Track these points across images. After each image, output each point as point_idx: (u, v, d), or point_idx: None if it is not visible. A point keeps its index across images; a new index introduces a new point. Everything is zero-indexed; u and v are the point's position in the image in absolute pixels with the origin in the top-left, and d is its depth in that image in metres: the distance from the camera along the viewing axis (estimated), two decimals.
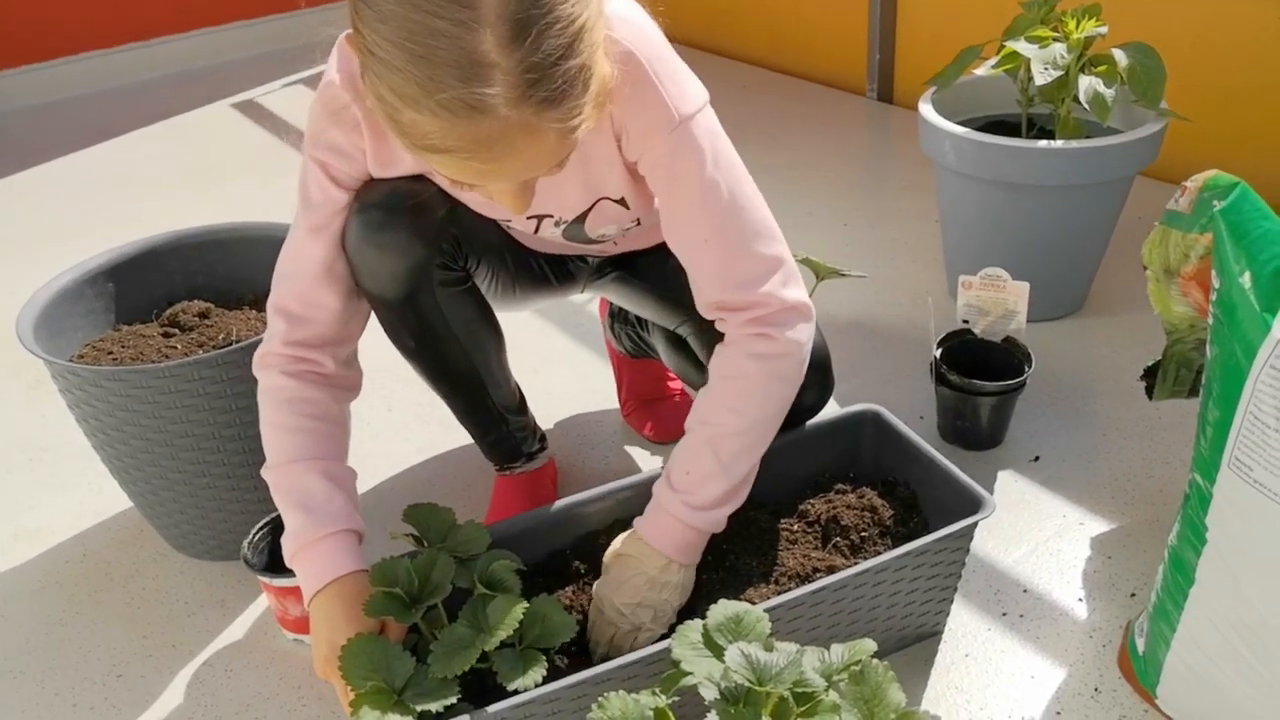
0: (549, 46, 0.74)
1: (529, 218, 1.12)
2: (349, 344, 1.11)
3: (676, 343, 1.28)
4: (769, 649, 0.87)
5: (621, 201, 1.07)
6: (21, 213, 2.51)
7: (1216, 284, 0.90)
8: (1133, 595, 1.20)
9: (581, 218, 1.10)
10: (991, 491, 1.38)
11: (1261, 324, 0.84)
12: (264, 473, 1.06)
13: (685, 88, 0.97)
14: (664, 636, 1.04)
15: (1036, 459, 1.43)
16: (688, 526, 1.04)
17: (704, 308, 1.06)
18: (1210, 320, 0.91)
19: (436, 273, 1.12)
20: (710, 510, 1.04)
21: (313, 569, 1.01)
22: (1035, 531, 1.31)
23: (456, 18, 0.71)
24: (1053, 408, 1.53)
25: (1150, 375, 1.26)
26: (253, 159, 2.73)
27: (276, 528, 1.26)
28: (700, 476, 1.04)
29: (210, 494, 1.30)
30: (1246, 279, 0.86)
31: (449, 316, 1.16)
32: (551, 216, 1.11)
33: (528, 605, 0.97)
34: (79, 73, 3.30)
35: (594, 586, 1.09)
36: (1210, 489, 0.91)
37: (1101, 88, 1.53)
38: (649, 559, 1.05)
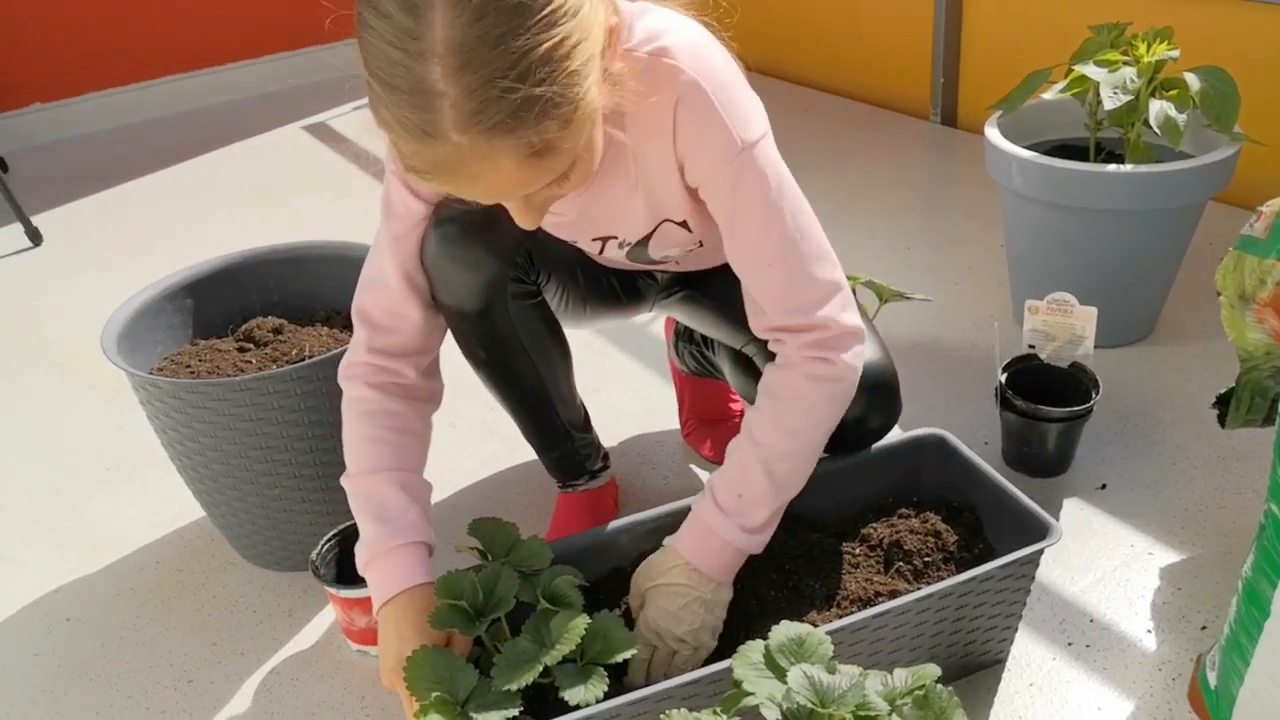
0: (496, 77, 0.75)
1: (594, 239, 1.14)
2: (430, 354, 1.14)
3: (742, 362, 1.28)
4: (832, 671, 0.87)
5: (684, 224, 1.09)
6: (101, 232, 2.60)
7: None
8: (1203, 628, 1.18)
9: (645, 240, 1.12)
10: (1057, 519, 1.36)
11: None
12: (344, 481, 1.09)
13: (749, 116, 0.98)
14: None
15: (1104, 486, 1.41)
16: (737, 549, 1.05)
17: (761, 330, 1.07)
18: (1266, 338, 0.90)
19: (510, 286, 1.14)
20: (759, 533, 1.05)
21: (383, 579, 1.03)
22: (1102, 560, 1.29)
23: (409, 49, 0.76)
24: (1120, 435, 1.51)
25: (1223, 403, 1.24)
26: (322, 180, 2.80)
27: (344, 540, 1.29)
28: (754, 499, 1.04)
29: (280, 505, 1.34)
30: None
31: (520, 330, 1.18)
32: (615, 238, 1.13)
33: (590, 621, 0.98)
34: (159, 96, 3.42)
35: (641, 621, 1.07)
36: None
37: (1173, 112, 1.51)
38: (701, 585, 1.04)
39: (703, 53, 0.95)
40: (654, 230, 1.10)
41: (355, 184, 2.76)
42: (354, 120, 3.22)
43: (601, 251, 1.17)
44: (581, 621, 0.97)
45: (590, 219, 1.10)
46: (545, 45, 0.76)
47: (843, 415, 1.08)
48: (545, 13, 0.76)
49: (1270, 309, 1.02)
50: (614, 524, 1.17)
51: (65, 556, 1.49)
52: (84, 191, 2.85)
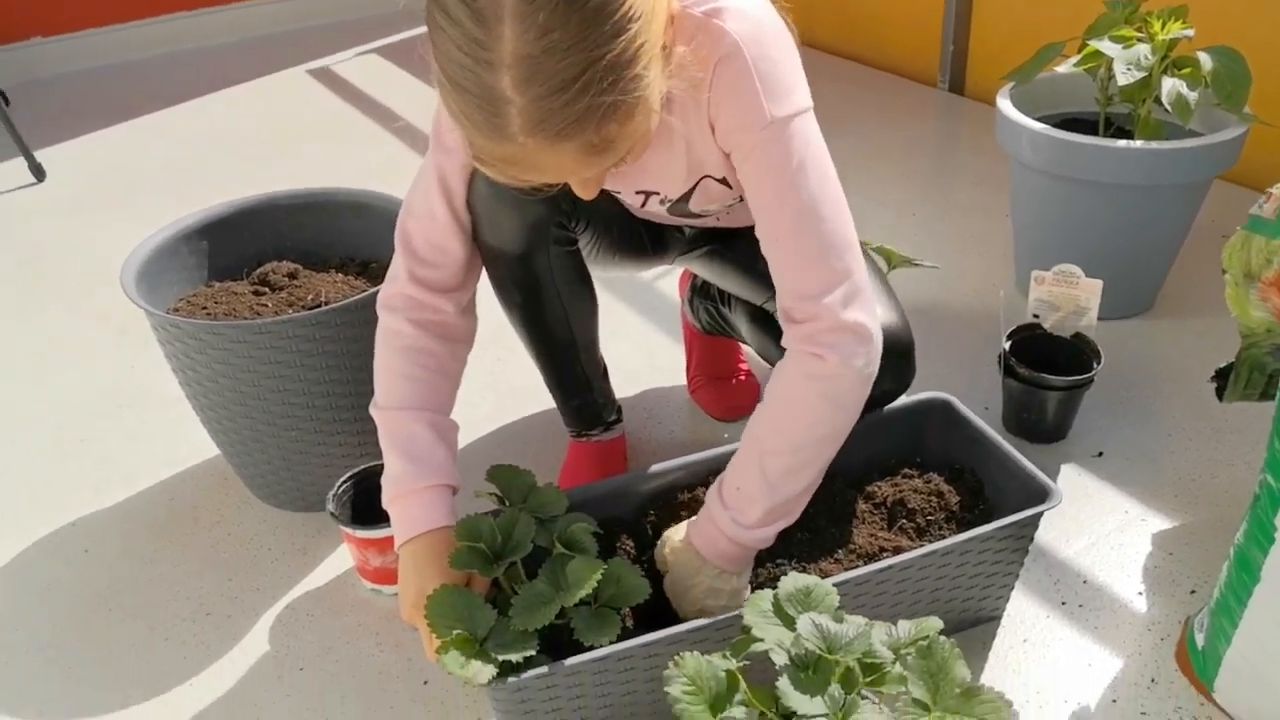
0: (561, 89, 0.78)
1: (637, 193, 1.16)
2: (468, 290, 1.15)
3: (760, 318, 1.30)
4: (839, 621, 0.90)
5: (724, 181, 1.10)
6: (104, 169, 2.60)
7: None
8: (1193, 592, 1.22)
9: (686, 196, 1.13)
10: (1055, 484, 1.40)
11: None
12: (373, 411, 1.10)
13: (787, 90, 0.97)
14: None
15: (1100, 454, 1.45)
16: (732, 541, 1.04)
17: (779, 316, 1.05)
18: (1268, 315, 0.93)
19: (553, 231, 1.16)
20: (755, 529, 1.04)
21: (408, 517, 1.05)
22: (1097, 525, 1.33)
23: (479, 56, 0.78)
24: (1118, 405, 1.54)
25: (1222, 377, 1.27)
26: (326, 124, 2.80)
27: (359, 482, 1.32)
28: (748, 495, 1.03)
29: (296, 446, 1.36)
30: None
31: (557, 275, 1.20)
32: (658, 194, 1.14)
33: (605, 566, 1.01)
34: (162, 33, 3.40)
35: (664, 584, 1.09)
36: None
37: (1185, 90, 1.53)
38: (704, 569, 1.06)
39: (754, 17, 0.95)
40: (695, 186, 1.11)
41: (357, 129, 2.75)
42: (356, 66, 3.20)
43: (644, 205, 1.18)
44: (597, 566, 1.00)
45: (635, 174, 1.12)
46: (610, 55, 0.78)
47: (855, 416, 1.04)
48: (611, 24, 0.78)
49: (1274, 288, 1.05)
50: (628, 475, 1.20)
51: (80, 491, 1.52)
52: (86, 128, 2.84)
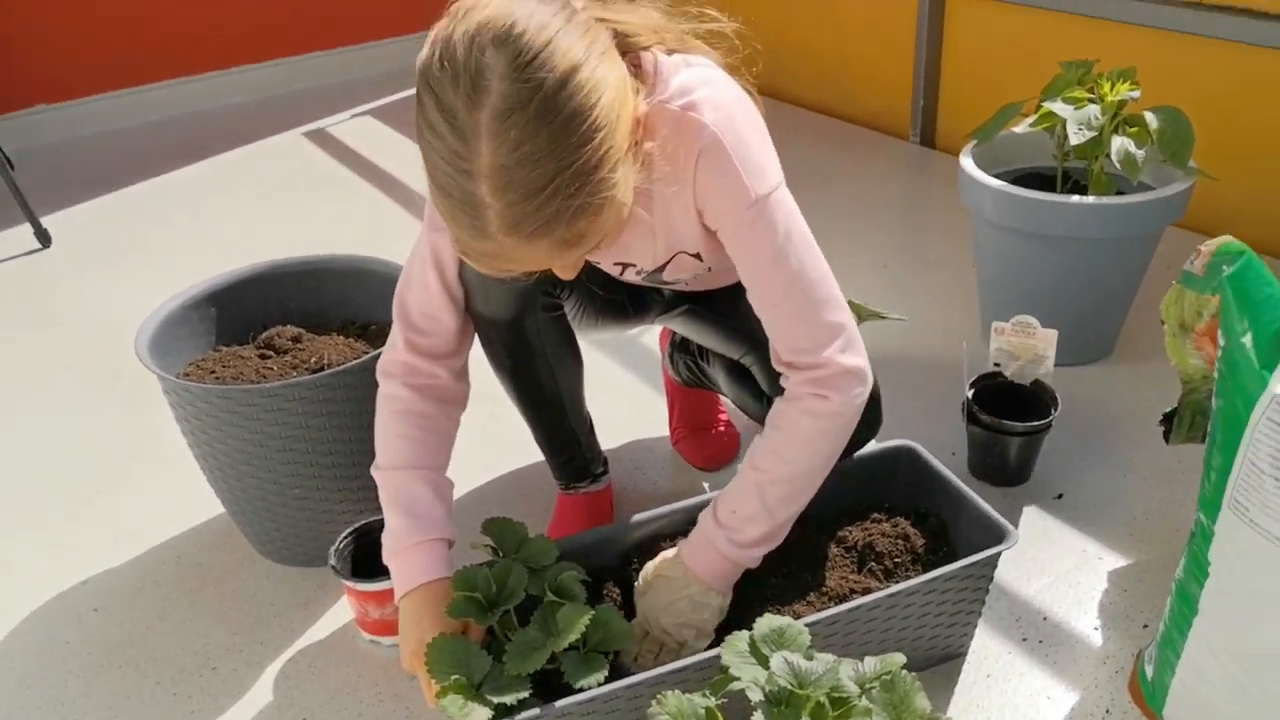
0: (532, 195, 0.87)
1: (615, 264, 1.25)
2: (461, 357, 1.24)
3: (738, 372, 1.39)
4: (809, 659, 0.98)
5: (697, 255, 1.19)
6: (108, 233, 2.69)
7: (1222, 342, 1.00)
8: (1145, 626, 1.30)
9: (661, 268, 1.23)
10: (1017, 525, 1.48)
11: (1260, 380, 0.94)
12: (374, 472, 1.19)
13: (763, 169, 1.07)
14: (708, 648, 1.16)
15: (1060, 496, 1.53)
16: (727, 559, 1.15)
17: (774, 363, 1.17)
18: (1216, 374, 1.01)
19: (540, 299, 1.26)
20: (750, 549, 1.15)
21: (407, 570, 1.13)
22: (1056, 564, 1.41)
23: (460, 167, 0.88)
24: (1078, 449, 1.63)
25: (1169, 421, 1.35)
26: (322, 185, 2.89)
27: (360, 537, 1.39)
28: (745, 517, 1.14)
29: (299, 504, 1.43)
30: (1248, 339, 0.96)
31: (544, 340, 1.29)
32: (634, 266, 1.24)
33: (593, 613, 1.09)
34: (162, 99, 3.51)
35: (639, 604, 1.19)
36: (1212, 527, 1.01)
37: (1133, 148, 1.63)
38: (691, 584, 1.15)
39: (725, 104, 1.05)
40: (669, 260, 1.21)
41: (354, 190, 2.85)
42: (351, 128, 3.31)
43: (622, 274, 1.28)
44: (586, 613, 1.08)
45: (614, 249, 1.21)
46: (577, 163, 0.87)
47: (842, 447, 1.17)
48: (577, 135, 0.87)
49: (1206, 338, 1.14)
50: (614, 525, 1.28)
51: (90, 551, 1.58)
52: (90, 193, 2.93)
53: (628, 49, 1.01)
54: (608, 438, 1.72)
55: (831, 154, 2.85)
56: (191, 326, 1.55)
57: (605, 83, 0.89)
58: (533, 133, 0.85)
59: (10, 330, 2.25)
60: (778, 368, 1.16)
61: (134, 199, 2.90)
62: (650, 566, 1.20)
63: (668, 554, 1.20)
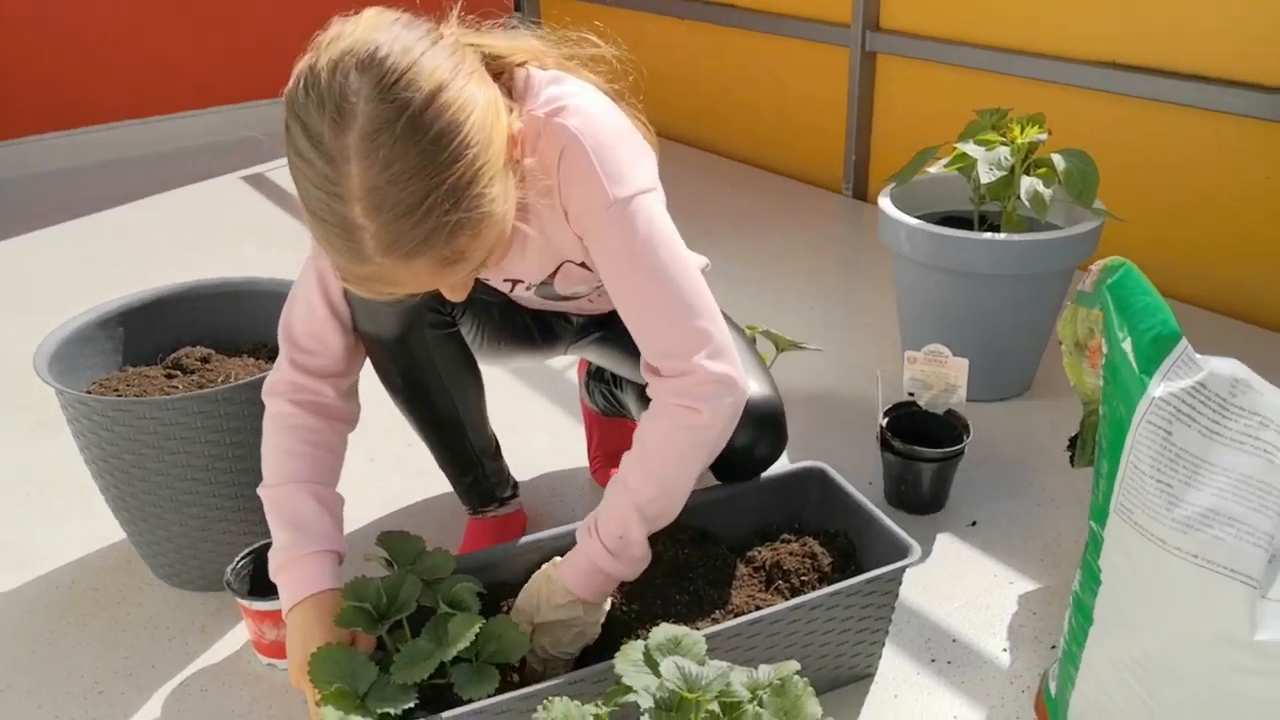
0: (406, 212, 0.87)
1: (504, 280, 1.25)
2: (349, 377, 1.22)
3: (647, 399, 1.38)
4: (702, 664, 0.96)
5: (583, 265, 1.19)
6: (39, 269, 2.64)
7: (1105, 350, 1.02)
8: (1053, 647, 1.29)
9: (549, 279, 1.22)
10: (930, 552, 1.48)
11: (1140, 384, 0.96)
12: (260, 490, 1.16)
13: (626, 172, 1.05)
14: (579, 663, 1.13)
15: (974, 523, 1.53)
16: (600, 571, 1.11)
17: (644, 370, 1.13)
18: (1101, 382, 1.03)
19: (427, 315, 1.24)
20: (640, 562, 1.13)
21: (294, 582, 1.10)
22: (968, 587, 1.40)
23: (331, 191, 0.88)
24: (994, 479, 1.64)
25: (1074, 445, 1.37)
26: (258, 226, 2.88)
27: (258, 557, 1.35)
28: (633, 539, 1.10)
29: (198, 524, 1.39)
30: (1128, 345, 0.98)
31: (435, 357, 1.27)
32: (521, 281, 1.23)
33: (485, 623, 1.06)
34: (105, 140, 3.49)
35: (535, 643, 1.13)
36: (1102, 533, 1.01)
37: (1041, 187, 1.68)
38: (589, 613, 1.12)
39: (591, 111, 1.05)
40: (556, 271, 1.21)
41: (289, 232, 2.84)
42: (288, 173, 3.31)
43: (512, 290, 1.27)
44: (476, 622, 1.05)
45: (499, 266, 1.20)
46: (450, 179, 0.87)
47: (713, 456, 1.13)
48: (448, 152, 0.87)
49: (1098, 353, 1.16)
50: (514, 543, 1.26)
51: None
52: (25, 228, 2.89)
53: (501, 69, 1.03)
54: (528, 466, 1.71)
55: (765, 204, 2.90)
56: (99, 345, 1.51)
57: (474, 100, 0.90)
58: (402, 151, 0.86)
59: None
60: (645, 376, 1.12)
61: (66, 237, 2.86)
62: (529, 606, 1.15)
63: (543, 589, 1.14)
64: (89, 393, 1.43)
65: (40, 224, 2.92)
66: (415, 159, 0.86)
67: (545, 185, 1.03)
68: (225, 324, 1.61)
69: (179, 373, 1.51)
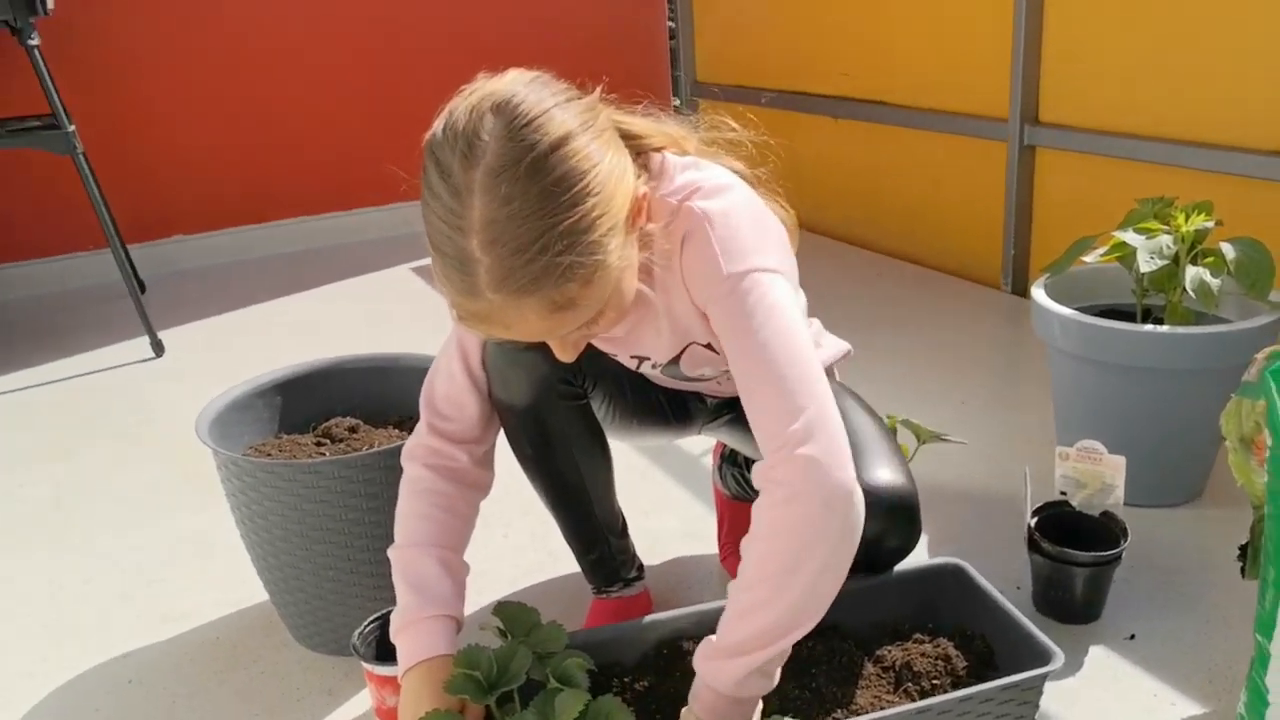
0: (520, 249, 0.90)
1: (631, 357, 1.26)
2: (484, 444, 1.25)
3: None
4: None
5: (709, 347, 1.19)
6: (218, 346, 2.86)
7: (1269, 442, 0.93)
8: None
9: (675, 360, 1.22)
10: (1081, 664, 1.36)
11: None
12: (390, 551, 1.19)
13: (746, 250, 1.04)
14: None
15: (1132, 637, 1.41)
16: (722, 696, 1.03)
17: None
18: (1266, 479, 0.94)
19: (558, 387, 1.26)
20: (772, 679, 1.04)
21: (411, 645, 1.11)
22: (1123, 708, 1.28)
23: (454, 224, 0.91)
24: (1157, 590, 1.50)
25: (1244, 553, 1.25)
26: (423, 314, 3.02)
27: (386, 623, 1.37)
28: (730, 645, 1.02)
29: (332, 587, 1.44)
30: None
31: (564, 427, 1.29)
32: (648, 359, 1.24)
33: (591, 700, 1.04)
34: (287, 234, 3.78)
35: None
36: (1269, 647, 0.91)
37: (1208, 277, 1.57)
38: None
39: (721, 193, 1.06)
40: (682, 352, 1.21)
41: (446, 317, 2.96)
42: None
43: (639, 367, 1.28)
44: (583, 699, 1.03)
45: (624, 340, 1.22)
46: (566, 222, 0.90)
47: (815, 554, 0.99)
48: (568, 196, 0.90)
49: (1264, 449, 1.06)
50: (631, 622, 1.23)
51: (137, 627, 1.61)
52: (210, 313, 3.14)
53: (639, 150, 1.06)
54: (657, 550, 1.69)
55: (918, 299, 2.84)
56: (256, 413, 1.61)
57: (600, 155, 0.93)
58: (523, 190, 0.89)
59: (106, 420, 2.38)
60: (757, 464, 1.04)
61: (247, 320, 3.09)
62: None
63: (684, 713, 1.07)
64: (244, 455, 1.52)
65: (221, 308, 3.18)
66: (535, 198, 0.89)
67: (667, 252, 1.04)
68: (375, 396, 1.69)
69: (328, 441, 1.58)
